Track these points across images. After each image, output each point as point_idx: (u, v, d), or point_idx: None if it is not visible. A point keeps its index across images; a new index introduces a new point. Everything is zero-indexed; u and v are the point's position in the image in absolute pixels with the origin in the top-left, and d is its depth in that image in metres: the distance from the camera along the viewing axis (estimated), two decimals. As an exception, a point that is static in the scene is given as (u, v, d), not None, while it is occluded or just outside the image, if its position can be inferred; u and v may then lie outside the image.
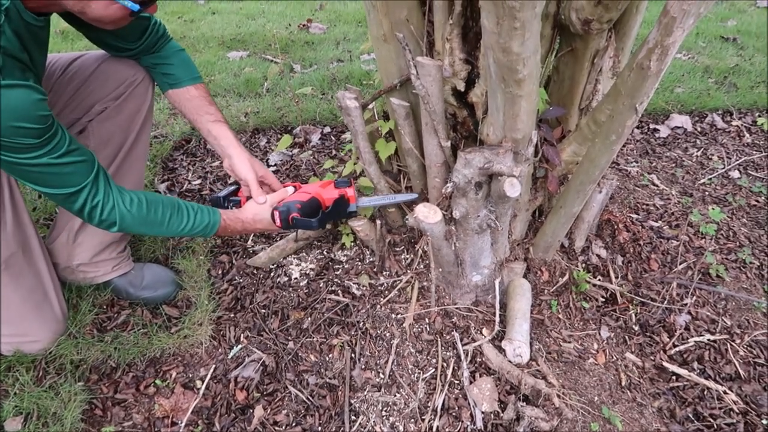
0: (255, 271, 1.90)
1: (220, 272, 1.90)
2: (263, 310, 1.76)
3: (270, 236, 2.05)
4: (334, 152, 2.55)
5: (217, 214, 1.51)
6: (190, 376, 1.58)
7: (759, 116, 2.94)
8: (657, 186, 2.37)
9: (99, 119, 1.58)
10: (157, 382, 1.55)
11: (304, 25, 4.25)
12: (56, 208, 1.98)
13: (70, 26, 1.45)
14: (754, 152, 2.65)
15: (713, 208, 2.17)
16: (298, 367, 1.59)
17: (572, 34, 1.47)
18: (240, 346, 1.65)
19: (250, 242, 2.02)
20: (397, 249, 1.92)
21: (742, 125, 2.87)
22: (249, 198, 1.63)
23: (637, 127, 2.86)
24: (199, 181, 2.37)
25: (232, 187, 1.73)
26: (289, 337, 1.68)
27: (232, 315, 1.75)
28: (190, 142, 2.64)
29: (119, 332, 1.66)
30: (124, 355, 1.59)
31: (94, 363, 1.58)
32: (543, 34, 1.49)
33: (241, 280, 1.87)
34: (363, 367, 1.59)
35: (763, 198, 2.31)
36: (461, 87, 1.50)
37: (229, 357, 1.62)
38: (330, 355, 1.63)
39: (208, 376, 1.57)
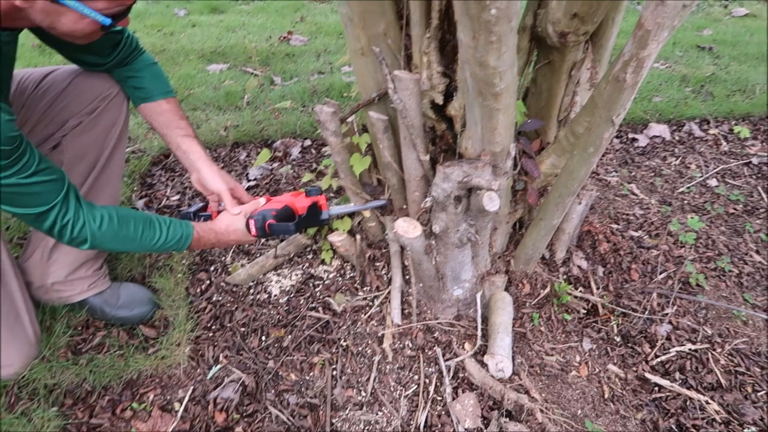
0: (234, 289, 1.87)
1: (198, 290, 1.87)
2: (243, 329, 1.73)
3: (249, 252, 2.02)
4: (314, 165, 2.53)
5: (190, 227, 1.47)
6: (168, 398, 1.55)
7: (736, 124, 2.98)
8: (636, 195, 2.39)
9: (73, 134, 1.55)
10: (134, 405, 1.51)
11: (284, 38, 4.23)
12: (30, 228, 1.94)
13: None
14: (731, 160, 2.68)
15: (692, 217, 2.19)
16: (279, 387, 1.57)
17: (549, 47, 1.48)
18: (219, 366, 1.62)
19: (228, 259, 1.99)
20: (378, 264, 1.90)
21: (719, 133, 2.91)
22: (219, 212, 1.61)
23: (616, 137, 2.88)
24: (177, 197, 2.33)
25: (201, 204, 1.70)
26: (269, 356, 1.65)
27: (211, 334, 1.72)
28: (168, 157, 2.61)
29: (95, 354, 1.62)
30: (99, 378, 1.56)
31: (69, 387, 1.54)
32: (520, 46, 1.50)
33: (220, 298, 1.84)
34: (344, 385, 1.57)
35: (740, 206, 2.33)
36: (439, 100, 1.49)
37: (208, 378, 1.59)
38: (311, 374, 1.60)
39: (187, 398, 1.53)
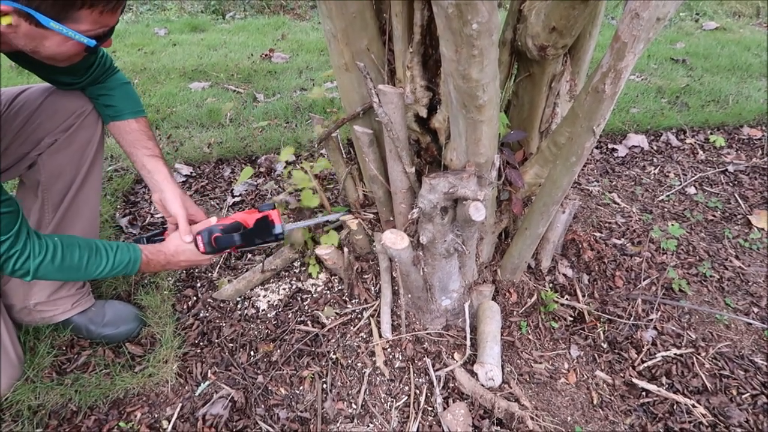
0: (221, 305, 1.86)
1: (185, 307, 1.85)
2: (231, 344, 1.72)
3: (236, 267, 2.01)
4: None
5: (137, 251, 1.44)
6: (156, 416, 1.53)
7: (711, 134, 3.05)
8: (618, 204, 2.43)
9: (49, 152, 1.53)
10: (121, 424, 1.49)
11: (266, 55, 4.25)
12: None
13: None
14: (708, 168, 2.74)
15: (672, 224, 2.23)
16: (269, 402, 1.56)
17: (529, 60, 1.51)
18: (207, 383, 1.60)
19: (215, 274, 1.99)
20: (366, 276, 1.91)
21: (695, 143, 2.97)
22: None
23: (597, 147, 2.93)
24: (161, 215, 2.32)
25: (158, 231, 1.66)
26: (259, 371, 1.64)
27: (198, 350, 1.70)
28: (152, 174, 2.59)
29: (80, 374, 1.60)
30: (85, 398, 1.53)
31: (54, 407, 1.52)
32: (501, 60, 1.53)
33: (207, 314, 1.83)
34: (335, 398, 1.56)
35: (719, 213, 2.39)
36: (423, 113, 1.52)
37: (197, 394, 1.58)
38: (301, 387, 1.60)
39: (175, 416, 1.52)
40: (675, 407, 1.54)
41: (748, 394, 1.59)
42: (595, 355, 1.70)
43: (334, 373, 1.63)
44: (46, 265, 1.28)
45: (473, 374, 1.57)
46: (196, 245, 1.51)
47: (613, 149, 2.91)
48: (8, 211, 1.20)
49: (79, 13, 1.12)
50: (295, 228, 1.72)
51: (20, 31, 1.11)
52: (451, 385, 1.58)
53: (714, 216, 2.37)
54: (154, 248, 1.50)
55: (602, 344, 1.73)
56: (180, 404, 1.55)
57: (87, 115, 1.56)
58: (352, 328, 1.75)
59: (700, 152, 2.89)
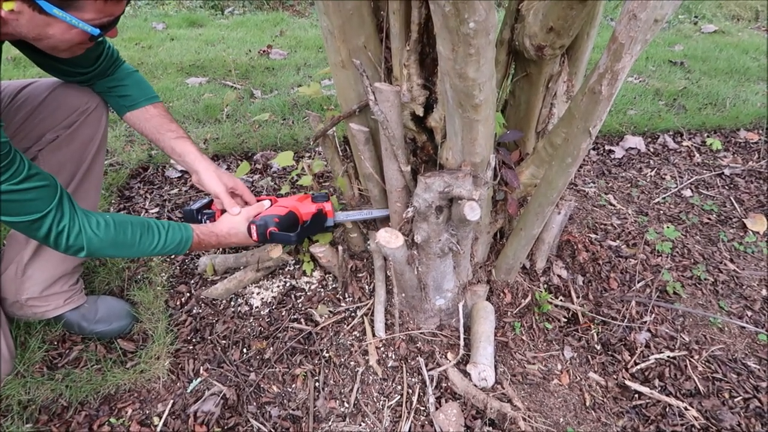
0: (214, 301, 1.85)
1: (178, 303, 1.85)
2: (223, 341, 1.71)
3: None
4: (295, 177, 2.53)
5: (189, 231, 1.46)
6: (147, 412, 1.52)
7: (708, 137, 3.05)
8: (614, 206, 2.43)
9: (50, 148, 1.52)
10: (112, 420, 1.48)
11: (264, 51, 4.24)
12: (3, 242, 1.90)
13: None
14: (705, 171, 2.74)
15: (668, 227, 2.23)
16: (261, 399, 1.55)
17: (527, 60, 1.50)
18: (199, 380, 1.60)
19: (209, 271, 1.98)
20: (360, 275, 1.90)
21: (692, 145, 2.98)
22: (223, 211, 1.60)
23: (593, 149, 2.93)
24: (156, 210, 2.31)
25: (206, 200, 1.69)
26: (251, 368, 1.63)
27: (191, 347, 1.70)
28: (147, 169, 2.59)
29: (71, 369, 1.59)
30: (76, 393, 1.52)
31: (44, 402, 1.51)
32: (498, 59, 1.52)
33: (200, 311, 1.82)
34: (327, 396, 1.56)
35: (714, 216, 2.39)
36: (420, 112, 1.51)
37: (188, 391, 1.57)
38: (293, 386, 1.59)
39: (166, 412, 1.51)
40: (667, 410, 1.54)
41: (741, 397, 1.59)
42: (589, 356, 1.70)
43: (326, 371, 1.62)
44: (100, 240, 1.30)
45: (466, 374, 1.57)
46: (249, 232, 1.52)
47: (610, 151, 2.91)
48: (43, 185, 1.21)
49: (83, 1, 1.12)
50: (345, 220, 1.75)
51: (23, 17, 1.10)
52: (443, 384, 1.58)
53: (709, 219, 2.37)
54: (206, 229, 1.52)
55: (596, 346, 1.73)
56: (171, 401, 1.54)
57: (91, 111, 1.56)
58: (345, 326, 1.75)
59: (697, 155, 2.89)
